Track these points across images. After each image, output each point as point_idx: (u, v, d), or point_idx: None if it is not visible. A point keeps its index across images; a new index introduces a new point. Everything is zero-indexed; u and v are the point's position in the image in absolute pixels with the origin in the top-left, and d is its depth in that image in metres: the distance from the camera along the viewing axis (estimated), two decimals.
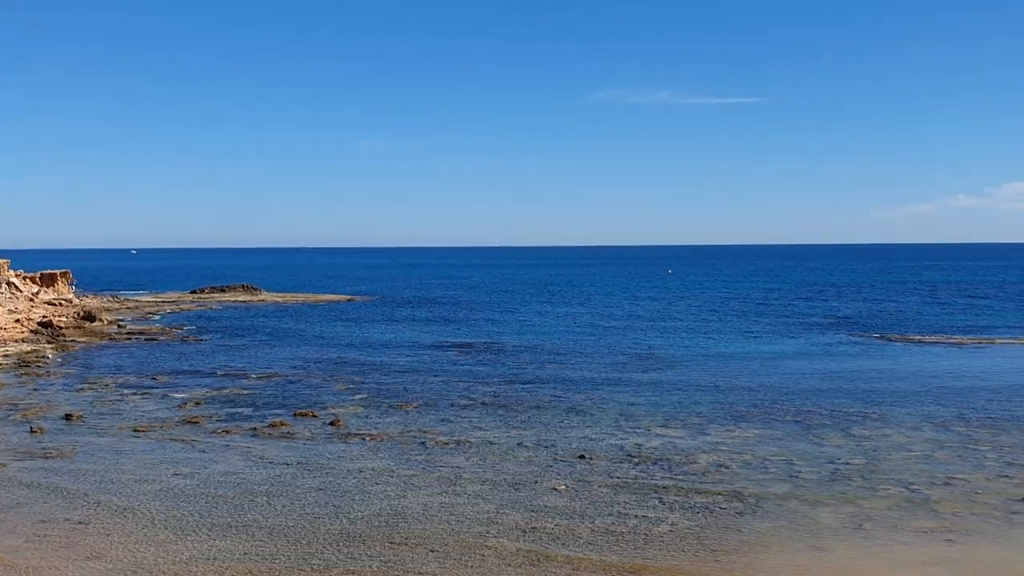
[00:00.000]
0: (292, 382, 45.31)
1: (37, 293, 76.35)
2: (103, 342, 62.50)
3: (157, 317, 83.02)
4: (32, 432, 33.05)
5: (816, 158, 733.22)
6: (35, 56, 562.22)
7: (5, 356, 53.61)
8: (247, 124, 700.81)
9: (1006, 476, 26.50)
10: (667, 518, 22.77)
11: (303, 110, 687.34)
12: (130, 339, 64.56)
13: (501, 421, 35.25)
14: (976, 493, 24.75)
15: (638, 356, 54.75)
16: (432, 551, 20.44)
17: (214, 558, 20.01)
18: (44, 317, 66.46)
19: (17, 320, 63.14)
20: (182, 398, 40.38)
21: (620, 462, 28.51)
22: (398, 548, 20.66)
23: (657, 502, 24.19)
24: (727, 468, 27.65)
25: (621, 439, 31.85)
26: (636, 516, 22.94)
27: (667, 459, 28.86)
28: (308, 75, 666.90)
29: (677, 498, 24.48)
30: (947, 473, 26.78)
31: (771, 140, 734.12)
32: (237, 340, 64.19)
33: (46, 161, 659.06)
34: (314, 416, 36.12)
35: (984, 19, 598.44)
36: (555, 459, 28.99)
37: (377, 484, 26.09)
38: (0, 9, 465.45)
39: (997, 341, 61.95)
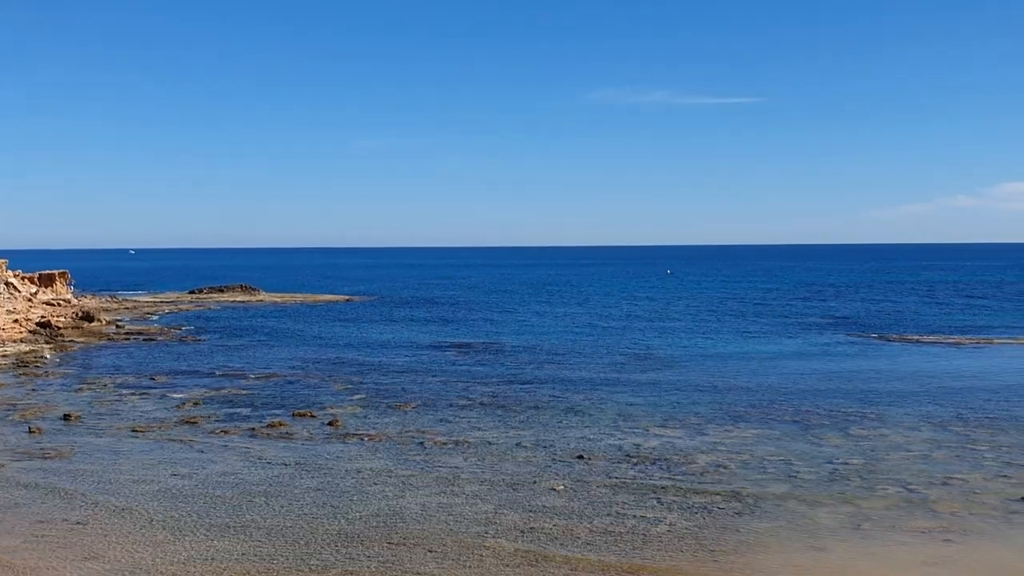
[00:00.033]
0: (290, 382, 45.29)
1: (35, 293, 76.26)
2: (101, 342, 62.46)
3: (155, 317, 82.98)
4: (30, 432, 33.02)
5: (816, 158, 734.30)
6: (35, 56, 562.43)
7: (3, 356, 53.57)
8: (247, 124, 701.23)
9: (1004, 476, 26.52)
10: (665, 518, 22.77)
11: (303, 110, 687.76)
12: (128, 339, 64.53)
13: (499, 421, 35.25)
14: (974, 493, 24.77)
15: (636, 356, 54.76)
16: (430, 551, 20.43)
17: (212, 558, 20.00)
18: (42, 317, 66.41)
19: (15, 320, 63.09)
20: (180, 398, 40.36)
21: (618, 462, 28.52)
22: (396, 548, 20.65)
23: (655, 502, 24.20)
24: (725, 468, 27.66)
25: (619, 439, 31.85)
26: (634, 516, 22.94)
27: (665, 459, 28.86)
28: (308, 75, 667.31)
29: (675, 498, 24.49)
30: (945, 473, 26.80)
31: (771, 140, 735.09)
32: (235, 340, 64.16)
33: (46, 161, 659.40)
34: (312, 416, 36.11)
35: (984, 19, 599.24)
36: (553, 459, 28.99)
37: (375, 484, 26.09)
38: (0, 9, 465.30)
39: (995, 341, 62.00)
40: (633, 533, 21.65)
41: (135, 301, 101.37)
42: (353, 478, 26.78)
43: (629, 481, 26.29)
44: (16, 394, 41.41)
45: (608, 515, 23.05)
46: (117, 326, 72.23)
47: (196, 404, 38.95)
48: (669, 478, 26.60)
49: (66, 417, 35.62)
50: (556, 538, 21.32)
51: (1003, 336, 64.84)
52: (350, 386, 43.81)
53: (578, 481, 26.26)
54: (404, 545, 20.86)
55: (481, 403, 39.11)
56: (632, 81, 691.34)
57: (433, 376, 47.03)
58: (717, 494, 24.79)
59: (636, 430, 33.39)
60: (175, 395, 41.27)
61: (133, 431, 33.38)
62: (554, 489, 25.45)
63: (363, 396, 41.00)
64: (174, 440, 31.94)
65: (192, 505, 24.04)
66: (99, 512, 23.48)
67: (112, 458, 29.33)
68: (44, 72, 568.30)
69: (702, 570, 19.37)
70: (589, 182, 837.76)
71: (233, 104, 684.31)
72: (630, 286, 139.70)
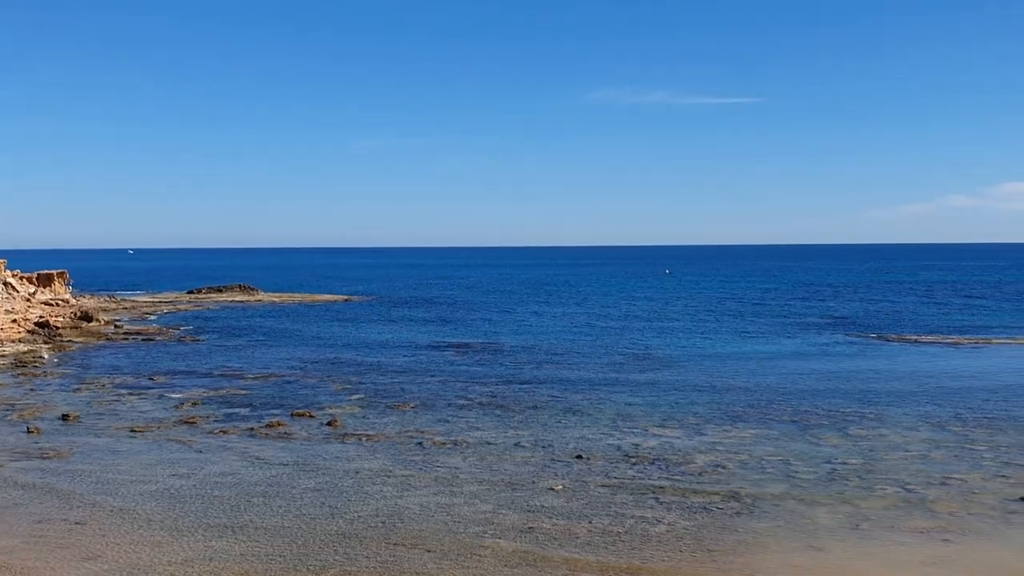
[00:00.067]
0: (289, 382, 45.29)
1: (34, 293, 76.21)
2: (100, 342, 62.44)
3: (154, 317, 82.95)
4: (29, 432, 33.01)
5: (816, 158, 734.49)
6: (35, 56, 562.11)
7: (2, 356, 53.55)
8: (247, 124, 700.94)
9: (1003, 476, 26.54)
10: (664, 518, 22.78)
11: (303, 110, 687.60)
12: (127, 339, 64.51)
13: (498, 421, 35.25)
14: (973, 493, 24.78)
15: (635, 356, 54.78)
16: (429, 551, 20.44)
17: (211, 559, 20.00)
18: (41, 317, 66.39)
19: (14, 320, 63.06)
20: (179, 398, 40.35)
21: (617, 462, 28.52)
22: (395, 548, 20.66)
23: (654, 502, 24.20)
24: (724, 468, 27.67)
25: (618, 439, 31.86)
26: (633, 516, 22.95)
27: (664, 459, 28.87)
28: (308, 75, 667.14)
29: (674, 498, 24.50)
30: (944, 473, 26.82)
31: (771, 140, 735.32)
32: (234, 340, 64.15)
33: (46, 161, 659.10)
34: (311, 416, 36.10)
35: (984, 19, 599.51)
36: (552, 459, 28.99)
37: (374, 484, 26.09)
38: (0, 9, 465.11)
39: (994, 341, 62.04)
40: (632, 533, 21.66)
41: (134, 301, 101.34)
42: (352, 478, 26.78)
43: (628, 481, 26.29)
44: (14, 394, 41.39)
45: (607, 515, 23.05)
46: (116, 326, 72.21)
47: (195, 404, 38.94)
48: (668, 478, 26.61)
49: (64, 417, 35.61)
50: (555, 538, 21.32)
51: (1001, 336, 64.88)
52: (349, 386, 43.81)
53: (577, 481, 26.26)
54: (403, 545, 20.87)
55: (480, 403, 39.11)
56: (632, 81, 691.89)
57: (432, 376, 47.03)
58: (716, 494, 24.81)
59: (635, 430, 33.40)
60: (173, 395, 41.26)
61: (132, 431, 33.37)
62: (553, 489, 25.46)
63: (362, 396, 40.99)
64: (173, 440, 31.94)
65: (191, 505, 24.04)
66: (98, 512, 23.48)
67: (111, 458, 29.32)
68: (44, 72, 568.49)
69: (701, 570, 19.38)
70: (589, 182, 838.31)
71: (233, 104, 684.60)
72: (628, 286, 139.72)
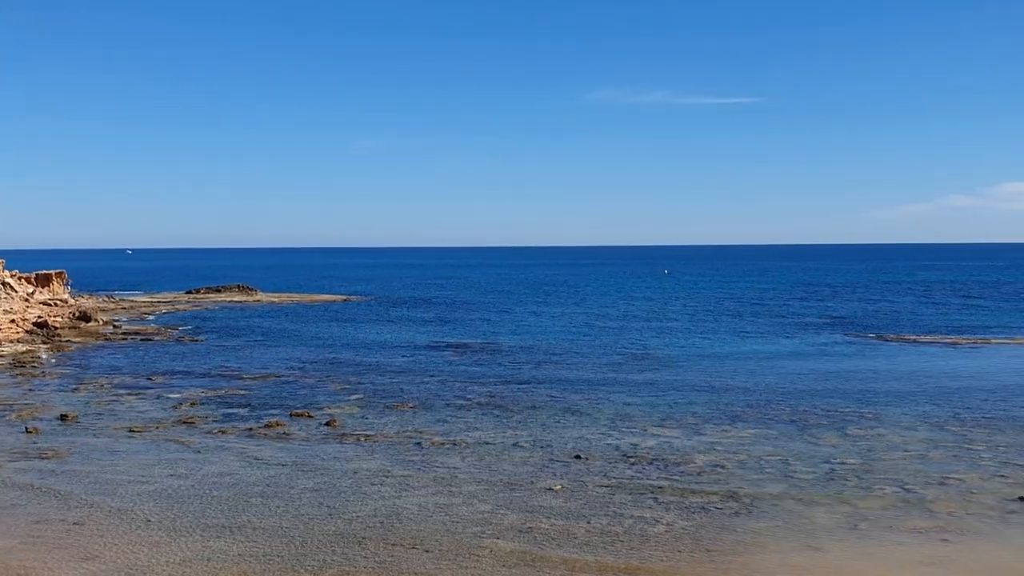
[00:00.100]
0: (288, 382, 45.27)
1: (32, 293, 76.14)
2: (98, 342, 62.41)
3: (152, 317, 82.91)
4: (27, 433, 32.99)
5: (816, 158, 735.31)
6: (35, 56, 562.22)
7: (0, 356, 53.50)
8: (247, 124, 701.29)
9: (1001, 476, 26.55)
10: (663, 518, 22.78)
11: (303, 110, 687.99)
12: (126, 339, 64.47)
13: (497, 421, 35.24)
14: (971, 493, 24.79)
15: (634, 356, 54.77)
16: (427, 551, 20.43)
17: (209, 559, 19.98)
18: (39, 317, 66.35)
19: (12, 320, 63.02)
20: (178, 398, 40.33)
21: (616, 462, 28.52)
22: (394, 548, 20.65)
23: (653, 502, 24.20)
24: (723, 468, 27.67)
25: (617, 439, 31.86)
26: (632, 516, 22.94)
27: (663, 459, 28.87)
28: (308, 75, 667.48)
29: (673, 498, 24.49)
30: (942, 473, 26.82)
31: (771, 140, 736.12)
32: (233, 340, 64.12)
33: (46, 161, 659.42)
34: (310, 416, 36.08)
35: (984, 19, 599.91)
36: (551, 459, 28.98)
37: (373, 484, 26.07)
38: (0, 9, 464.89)
39: (992, 341, 62.06)
40: (630, 533, 21.65)
41: (132, 301, 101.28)
42: (350, 478, 26.77)
43: (626, 481, 26.29)
44: (13, 394, 41.36)
45: (605, 515, 23.05)
46: (114, 326, 72.17)
47: (193, 404, 38.92)
48: (666, 478, 26.60)
49: (63, 417, 35.59)
50: (553, 538, 21.31)
51: (1000, 336, 64.91)
52: (347, 386, 43.79)
53: (575, 481, 26.26)
54: (401, 545, 20.86)
55: (479, 403, 39.10)
56: (632, 81, 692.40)
57: (430, 376, 47.02)
58: (714, 494, 24.81)
59: (633, 430, 33.39)
60: (172, 395, 41.24)
61: (130, 431, 33.35)
62: (551, 489, 25.45)
63: (360, 396, 40.98)
64: (171, 440, 31.92)
65: (189, 505, 24.02)
66: (96, 512, 23.46)
67: (109, 458, 29.30)
68: (44, 72, 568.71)
69: (699, 570, 19.38)
70: (589, 182, 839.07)
71: (233, 104, 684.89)
72: (627, 286, 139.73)
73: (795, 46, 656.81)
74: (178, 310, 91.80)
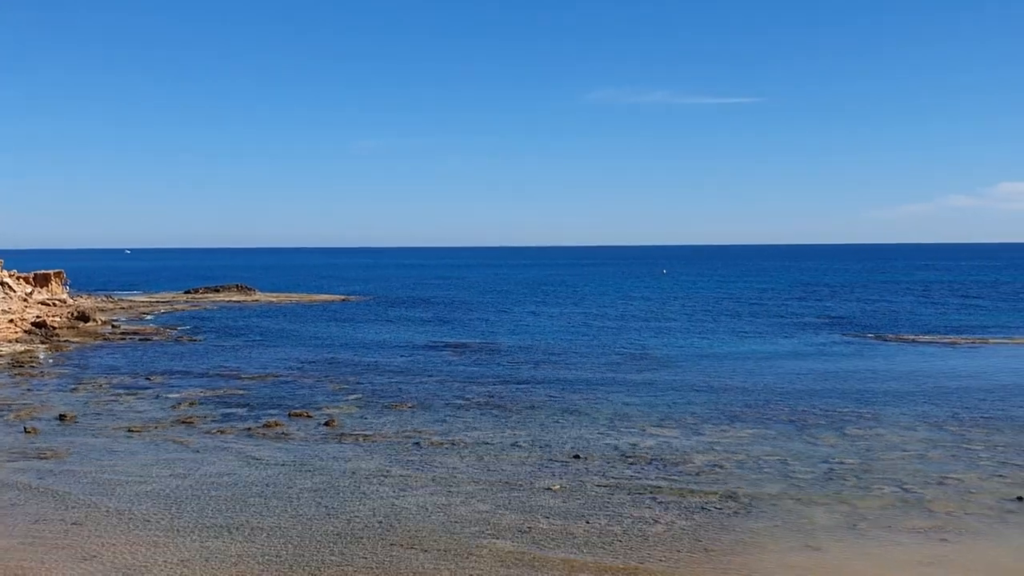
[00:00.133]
0: (286, 382, 45.25)
1: (31, 293, 76.08)
2: (97, 342, 62.37)
3: (151, 317, 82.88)
4: (26, 433, 32.97)
5: (816, 158, 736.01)
6: (35, 56, 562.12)
7: None
8: (247, 124, 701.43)
9: (1000, 476, 26.56)
10: (662, 518, 22.78)
11: (303, 110, 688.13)
12: (124, 339, 64.44)
13: (496, 421, 35.24)
14: (970, 493, 24.80)
15: (632, 356, 54.78)
16: (426, 551, 20.43)
17: (208, 559, 19.98)
18: (38, 317, 66.30)
19: (11, 320, 62.98)
20: (176, 398, 40.31)
21: (615, 462, 28.53)
22: (392, 548, 20.65)
23: (652, 502, 24.21)
24: (721, 468, 27.68)
25: (616, 439, 31.86)
26: (631, 516, 22.95)
27: (662, 459, 28.88)
28: (308, 75, 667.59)
29: (672, 498, 24.50)
30: (941, 473, 26.84)
31: (771, 140, 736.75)
32: (231, 340, 64.10)
33: (46, 161, 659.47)
34: (309, 416, 36.07)
35: (984, 19, 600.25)
36: (550, 459, 28.99)
37: (372, 484, 26.07)
38: (0, 9, 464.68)
39: (991, 341, 62.10)
40: (629, 533, 21.66)
41: (131, 301, 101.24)
42: (349, 478, 26.77)
43: (625, 481, 26.29)
44: (11, 394, 41.34)
45: (604, 515, 23.06)
46: (113, 326, 72.14)
47: (192, 404, 38.91)
48: (665, 478, 26.61)
49: (62, 417, 35.57)
50: (552, 538, 21.32)
51: (999, 336, 64.95)
52: (346, 386, 43.79)
53: (574, 481, 26.26)
54: (400, 545, 20.86)
55: (477, 403, 39.10)
56: (632, 81, 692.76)
57: (429, 376, 47.01)
58: (713, 494, 24.81)
59: (632, 430, 33.40)
60: (171, 395, 41.22)
61: (129, 431, 33.33)
62: (550, 489, 25.45)
63: (359, 396, 40.97)
64: (170, 440, 31.91)
65: (188, 505, 24.01)
66: (95, 512, 23.45)
67: (108, 458, 29.28)
68: (44, 72, 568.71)
69: (698, 570, 19.38)
70: (589, 182, 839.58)
71: (233, 104, 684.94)
72: (625, 286, 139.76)
73: (795, 46, 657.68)
74: (177, 310, 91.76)
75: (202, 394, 41.39)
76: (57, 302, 76.09)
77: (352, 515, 23.14)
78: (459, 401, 39.57)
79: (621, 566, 19.53)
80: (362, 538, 21.36)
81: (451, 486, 25.85)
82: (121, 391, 42.30)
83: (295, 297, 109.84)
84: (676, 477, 26.69)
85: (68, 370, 49.19)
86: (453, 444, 31.18)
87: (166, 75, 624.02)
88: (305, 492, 25.29)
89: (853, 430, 33.02)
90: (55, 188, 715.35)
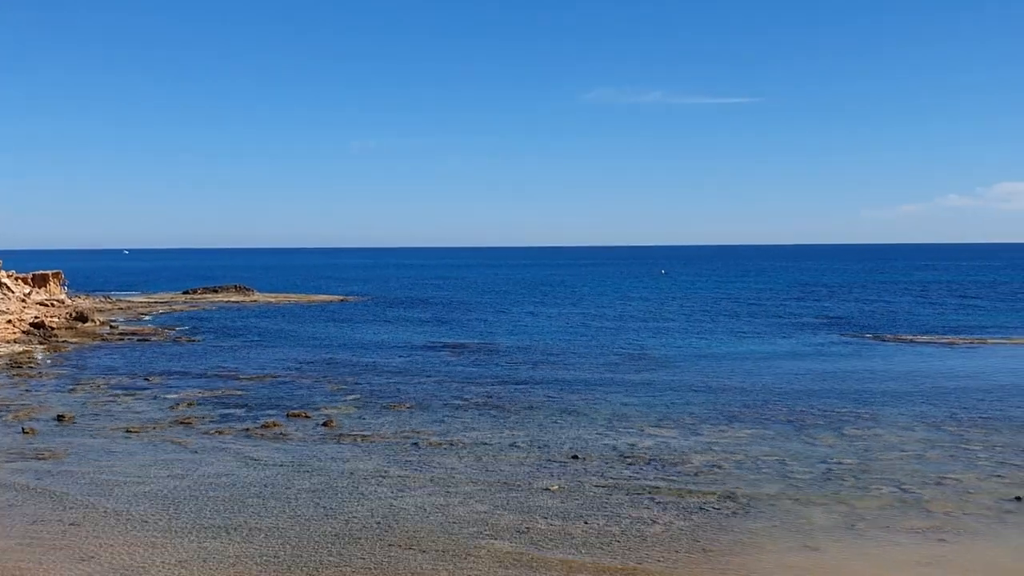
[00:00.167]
0: (285, 383, 45.23)
1: (29, 294, 76.07)
2: (95, 343, 62.32)
3: (149, 318, 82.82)
4: (24, 433, 32.94)
5: (816, 158, 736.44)
6: (35, 56, 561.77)
7: None
8: (247, 124, 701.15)
9: (998, 476, 26.58)
10: (660, 518, 22.78)
11: (303, 110, 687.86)
12: (122, 340, 64.40)
13: (494, 422, 35.23)
14: (968, 493, 24.81)
15: (630, 356, 54.78)
16: (424, 552, 20.42)
17: (206, 560, 19.96)
18: (36, 318, 66.25)
19: (9, 321, 62.94)
20: (174, 399, 40.27)
21: (613, 462, 28.52)
22: (391, 549, 20.64)
23: (650, 502, 24.20)
24: (720, 468, 27.68)
25: (614, 439, 31.86)
26: (629, 516, 22.95)
27: (660, 459, 28.87)
28: (308, 75, 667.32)
29: (670, 498, 24.50)
30: (939, 473, 26.85)
31: (771, 140, 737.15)
32: (230, 341, 64.07)
33: (46, 161, 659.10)
34: (307, 417, 36.06)
35: (984, 19, 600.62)
36: (548, 459, 28.98)
37: (370, 485, 26.06)
38: (0, 9, 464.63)
39: (989, 341, 62.13)
40: (628, 534, 21.65)
41: (129, 301, 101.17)
42: (348, 479, 26.75)
43: (624, 481, 26.29)
44: (10, 395, 41.31)
45: (603, 515, 23.05)
46: (111, 326, 72.09)
47: (190, 405, 38.88)
48: (663, 478, 26.61)
49: (60, 418, 35.53)
50: (551, 539, 21.31)
51: (997, 336, 64.98)
52: (344, 387, 43.77)
53: (573, 481, 26.26)
54: (398, 546, 20.85)
55: (476, 403, 39.10)
56: (632, 81, 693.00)
57: (427, 377, 47.00)
58: (711, 494, 24.81)
59: (631, 430, 33.39)
60: (169, 396, 41.19)
61: (127, 432, 33.30)
62: (548, 489, 25.45)
63: (357, 397, 40.96)
64: (168, 441, 31.88)
65: (186, 506, 23.99)
66: (93, 513, 23.43)
67: (106, 459, 29.26)
68: (44, 72, 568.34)
69: (696, 570, 19.38)
70: (589, 182, 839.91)
71: (233, 104, 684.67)
72: (624, 286, 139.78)
73: (795, 46, 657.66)
74: (175, 310, 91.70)
75: (200, 395, 41.36)
76: (55, 303, 76.09)
77: (350, 515, 23.13)
78: (457, 401, 39.56)
79: (619, 567, 19.53)
80: (360, 539, 21.35)
81: (449, 486, 25.84)
82: (119, 392, 42.26)
83: (293, 297, 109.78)
84: (674, 477, 26.68)
85: (66, 371, 49.15)
86: (451, 444, 31.17)
87: (166, 75, 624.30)
88: (303, 493, 25.28)
89: (851, 430, 33.02)
90: (55, 188, 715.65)
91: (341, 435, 32.74)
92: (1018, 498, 24.11)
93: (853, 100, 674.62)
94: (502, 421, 35.27)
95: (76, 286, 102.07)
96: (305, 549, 20.63)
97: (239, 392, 42.13)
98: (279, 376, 47.29)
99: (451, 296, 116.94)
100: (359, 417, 36.28)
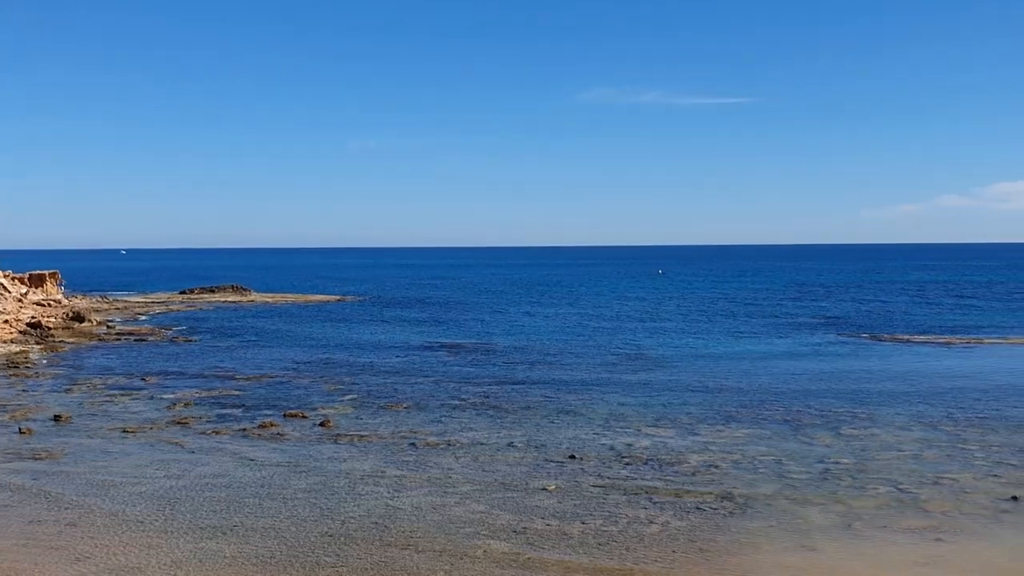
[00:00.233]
0: (282, 383, 45.19)
1: (26, 294, 75.99)
2: (92, 343, 62.25)
3: (145, 318, 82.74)
4: (20, 433, 32.89)
5: (815, 158, 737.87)
6: (35, 56, 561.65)
7: None
8: (247, 124, 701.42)
9: (995, 475, 26.59)
10: (657, 518, 22.77)
11: (303, 110, 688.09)
12: (119, 340, 64.32)
13: (491, 422, 35.22)
14: (965, 492, 24.83)
15: (628, 356, 54.78)
16: (421, 552, 20.40)
17: (202, 560, 19.94)
18: (33, 318, 66.16)
19: (5, 321, 62.84)
20: (171, 399, 40.23)
21: (610, 462, 28.52)
22: (388, 549, 20.62)
23: (647, 502, 24.20)
24: (717, 468, 27.68)
25: (611, 439, 31.86)
26: (626, 516, 22.94)
27: (657, 459, 28.87)
28: (308, 75, 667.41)
29: (667, 498, 24.50)
30: (936, 472, 26.87)
31: (770, 140, 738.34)
32: (226, 341, 64.01)
33: (46, 161, 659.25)
34: (304, 417, 36.03)
35: (984, 19, 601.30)
36: (545, 459, 28.97)
37: (367, 485, 26.04)
38: (0, 9, 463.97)
39: (985, 341, 62.19)
40: (625, 534, 21.65)
41: (126, 301, 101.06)
42: (345, 479, 26.73)
43: (621, 481, 26.29)
44: (6, 395, 41.25)
45: (600, 515, 23.04)
46: (108, 327, 71.99)
47: (187, 405, 38.84)
48: (660, 478, 26.61)
49: (56, 418, 35.48)
50: (548, 539, 21.30)
51: (993, 336, 65.04)
52: (341, 387, 43.74)
53: (570, 481, 26.25)
54: (395, 546, 20.83)
55: (473, 404, 39.08)
56: (632, 81, 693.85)
57: (424, 377, 46.98)
58: (709, 494, 24.81)
59: (628, 430, 33.39)
60: (166, 396, 41.14)
61: (124, 432, 33.26)
62: (546, 489, 25.44)
63: (354, 397, 40.93)
64: (164, 441, 31.84)
65: (182, 506, 23.96)
66: (89, 513, 23.39)
67: (102, 459, 29.22)
68: (44, 72, 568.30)
69: (694, 570, 19.37)
70: (589, 182, 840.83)
71: (233, 104, 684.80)
72: (621, 286, 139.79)
73: (794, 46, 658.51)
74: (172, 310, 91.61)
75: (197, 395, 41.32)
76: (52, 303, 76.01)
77: (347, 516, 23.11)
78: (454, 402, 39.54)
79: (616, 567, 19.52)
80: (357, 539, 21.33)
81: (446, 487, 25.82)
82: (116, 392, 42.21)
83: (291, 297, 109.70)
84: (672, 477, 26.69)
85: (63, 371, 49.09)
86: (448, 444, 31.16)
87: (166, 75, 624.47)
88: (300, 493, 25.25)
89: (848, 430, 33.04)
90: (55, 188, 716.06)
91: (338, 435, 32.71)
92: (1015, 497, 24.14)
93: (853, 100, 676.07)
94: (499, 421, 35.26)
95: (73, 286, 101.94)
96: (302, 549, 20.61)
97: (236, 392, 42.09)
98: (276, 376, 47.25)
99: (448, 296, 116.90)
100: (356, 417, 36.25)
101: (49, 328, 64.86)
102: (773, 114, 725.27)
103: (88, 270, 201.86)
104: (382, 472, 27.46)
